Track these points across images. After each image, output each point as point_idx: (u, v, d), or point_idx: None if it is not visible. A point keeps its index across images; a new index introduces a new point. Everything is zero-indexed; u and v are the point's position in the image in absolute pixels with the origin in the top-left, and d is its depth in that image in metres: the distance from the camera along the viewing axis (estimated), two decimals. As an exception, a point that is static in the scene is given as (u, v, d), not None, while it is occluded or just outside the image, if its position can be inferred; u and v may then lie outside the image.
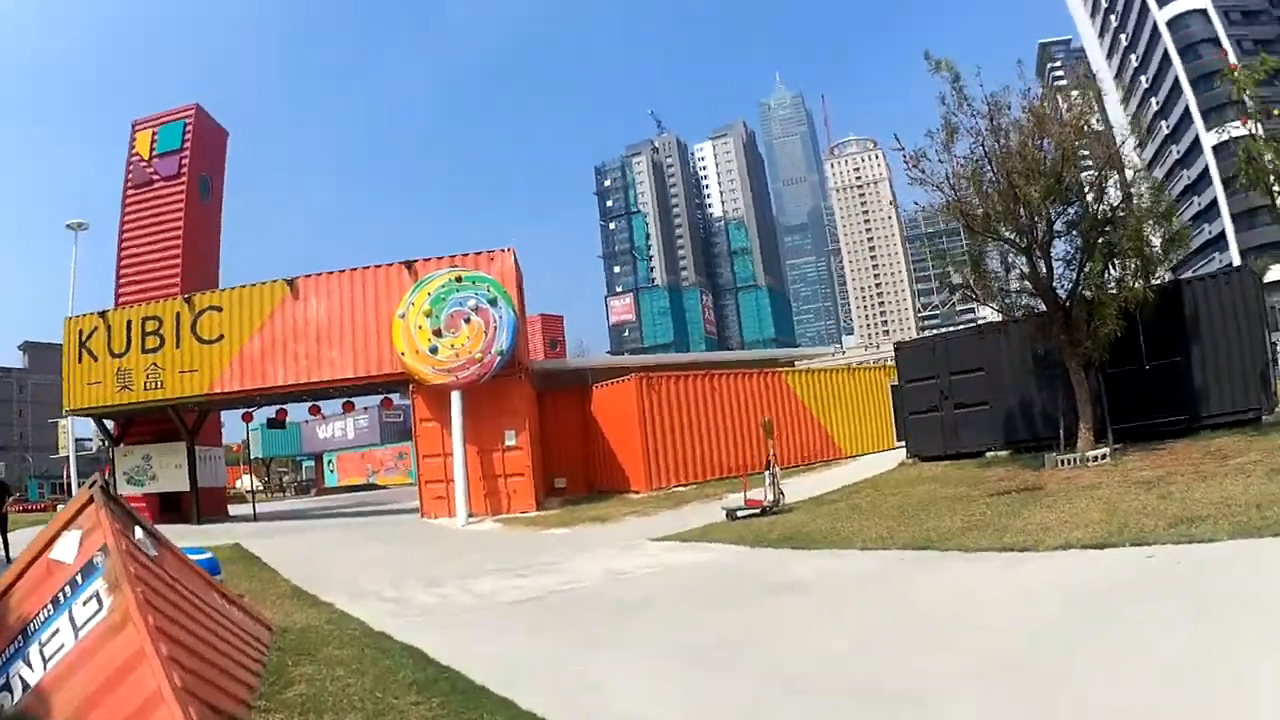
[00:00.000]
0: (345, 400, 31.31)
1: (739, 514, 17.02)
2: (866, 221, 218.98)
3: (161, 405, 29.95)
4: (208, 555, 10.77)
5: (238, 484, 71.30)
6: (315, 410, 31.79)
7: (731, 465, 27.05)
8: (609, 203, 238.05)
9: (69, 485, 48.93)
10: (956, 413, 22.45)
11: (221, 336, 28.87)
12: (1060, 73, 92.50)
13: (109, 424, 33.12)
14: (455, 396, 25.25)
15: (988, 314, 24.33)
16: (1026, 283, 19.11)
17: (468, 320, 25.60)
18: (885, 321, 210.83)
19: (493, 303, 25.66)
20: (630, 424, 26.92)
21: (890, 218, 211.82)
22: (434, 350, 25.50)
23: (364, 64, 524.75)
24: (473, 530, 22.93)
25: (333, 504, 44.56)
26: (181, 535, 26.28)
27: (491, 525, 23.42)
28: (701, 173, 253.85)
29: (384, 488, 60.98)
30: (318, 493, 64.66)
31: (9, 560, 18.54)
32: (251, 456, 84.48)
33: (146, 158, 36.00)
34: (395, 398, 31.63)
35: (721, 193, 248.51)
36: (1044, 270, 18.53)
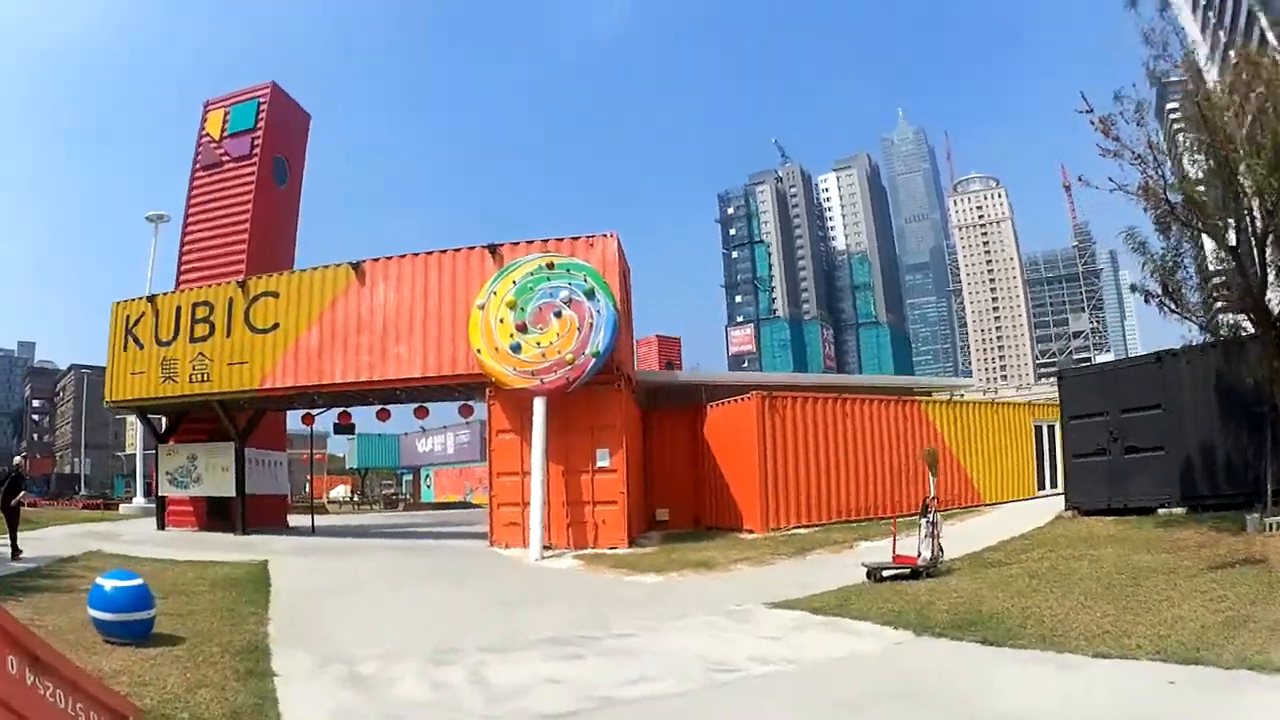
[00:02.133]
0: (417, 406, 28.40)
1: (884, 574, 13.99)
2: (989, 262, 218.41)
3: (206, 399, 27.59)
4: (136, 583, 10.47)
5: (331, 494, 70.09)
6: (384, 415, 28.93)
7: (861, 506, 24.24)
8: (732, 231, 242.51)
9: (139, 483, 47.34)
10: (1126, 458, 18.89)
11: (276, 325, 26.35)
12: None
13: (159, 419, 31.08)
14: (539, 404, 22.08)
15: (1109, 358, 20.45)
16: (1226, 292, 15.55)
17: (558, 314, 22.47)
18: (1004, 366, 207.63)
19: (589, 295, 22.49)
20: (747, 451, 23.83)
21: (1012, 259, 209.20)
22: (516, 349, 22.39)
23: (481, 64, 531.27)
24: (544, 568, 19.71)
25: (412, 521, 41.93)
26: (213, 545, 23.89)
27: (570, 562, 20.18)
28: (825, 204, 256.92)
29: (479, 507, 58.41)
30: (405, 508, 62.46)
31: (17, 553, 18.32)
32: (347, 466, 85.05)
33: (217, 138, 34.31)
34: (475, 404, 28.48)
35: (845, 225, 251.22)
36: (1257, 276, 14.88)
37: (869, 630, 10.57)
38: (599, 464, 22.68)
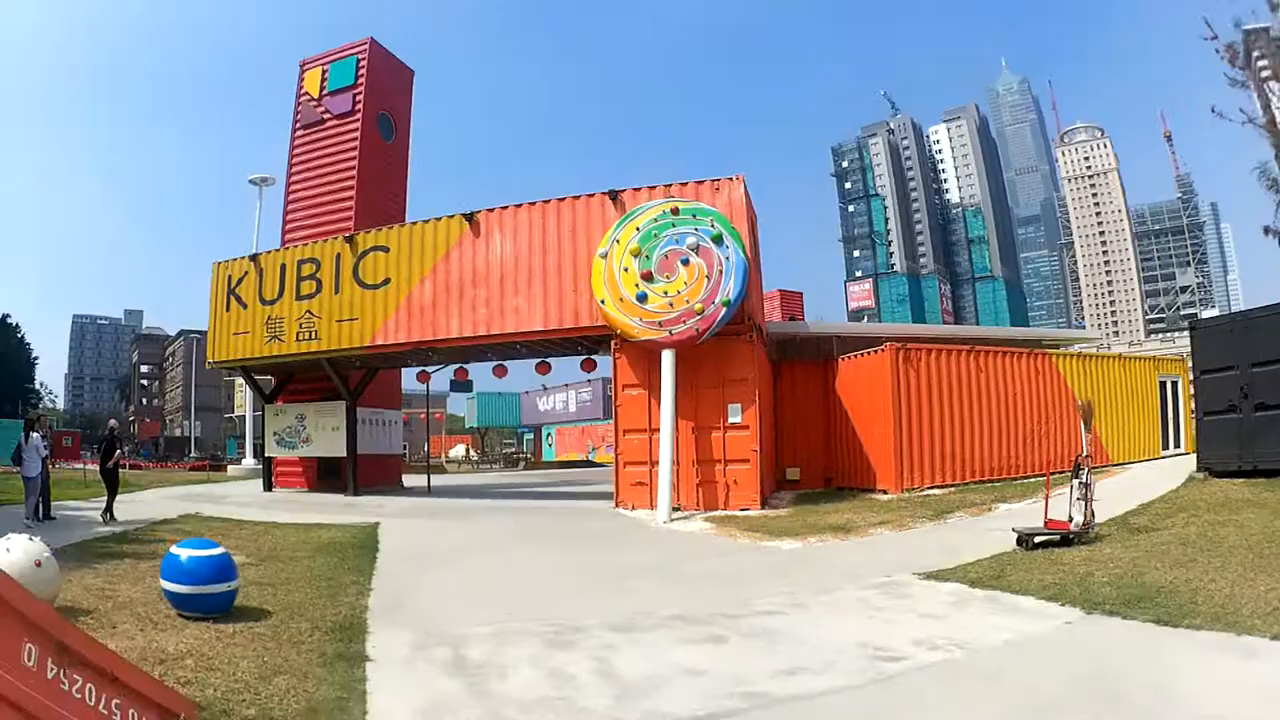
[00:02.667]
0: (538, 360, 27.40)
1: (1035, 540, 12.78)
2: (1098, 214, 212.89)
3: (315, 358, 27.03)
4: (215, 552, 9.34)
5: (451, 453, 70.76)
6: (501, 371, 27.98)
7: (994, 465, 22.95)
8: (847, 185, 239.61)
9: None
10: (1257, 415, 17.13)
11: (387, 281, 25.66)
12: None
13: (266, 381, 30.62)
14: (666, 357, 20.90)
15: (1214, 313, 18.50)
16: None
17: (686, 262, 21.17)
18: (1115, 320, 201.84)
19: (717, 241, 21.16)
20: (880, 406, 22.72)
21: (1120, 211, 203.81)
22: (642, 298, 21.18)
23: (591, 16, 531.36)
24: (673, 531, 18.49)
25: (533, 481, 41.30)
26: (321, 507, 23.08)
27: (699, 525, 18.94)
28: (937, 155, 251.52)
29: (602, 466, 58.55)
30: (527, 467, 62.59)
31: (109, 516, 18.62)
32: (467, 425, 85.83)
33: (316, 96, 34.09)
34: (599, 358, 27.40)
35: (958, 177, 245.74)
36: None
37: (1033, 607, 9.47)
38: (730, 420, 21.45)
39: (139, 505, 20.40)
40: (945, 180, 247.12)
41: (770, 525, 17.76)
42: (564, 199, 23.79)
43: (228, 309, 28.70)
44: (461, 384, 29.59)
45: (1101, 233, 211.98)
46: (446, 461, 63.68)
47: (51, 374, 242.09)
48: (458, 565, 14.36)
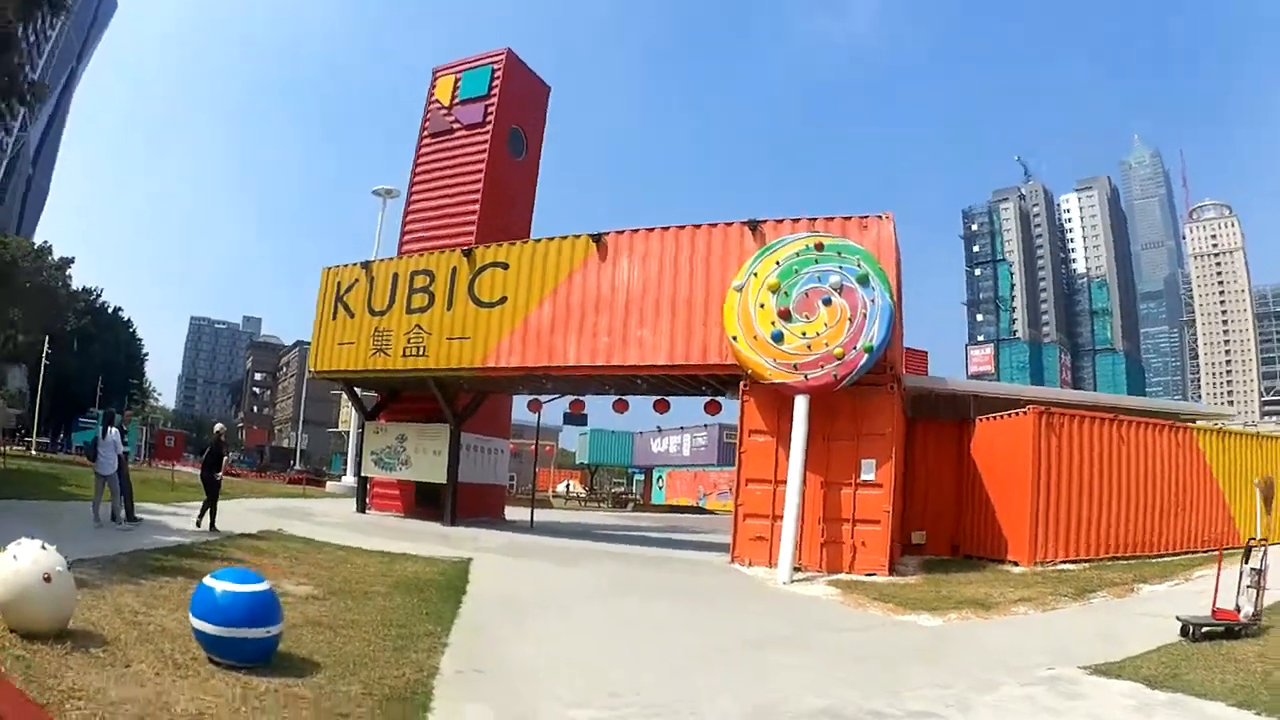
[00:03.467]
0: (658, 399, 25.76)
1: (1203, 630, 11.39)
2: (1221, 293, 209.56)
3: (421, 376, 25.76)
4: (257, 588, 7.73)
5: (559, 487, 71.28)
6: (621, 406, 26.35)
7: (1128, 542, 21.03)
8: (975, 248, 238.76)
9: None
10: None
11: (504, 299, 24.30)
12: None
13: (370, 396, 29.48)
14: (800, 403, 19.08)
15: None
16: None
17: (828, 302, 19.38)
18: (1231, 401, 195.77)
19: (863, 281, 19.37)
20: (1018, 472, 20.70)
21: (1243, 291, 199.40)
22: (778, 338, 19.43)
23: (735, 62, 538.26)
24: (795, 595, 16.66)
25: (641, 524, 39.48)
26: (413, 535, 21.73)
27: (823, 589, 17.07)
28: (1066, 224, 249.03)
29: (712, 513, 57.43)
30: (635, 508, 61.12)
31: (214, 527, 18.13)
32: (577, 461, 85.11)
33: (447, 104, 32.94)
34: (724, 400, 25.58)
35: (1085, 248, 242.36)
36: None
37: (1226, 716, 8.06)
38: (863, 477, 19.55)
39: (221, 516, 19.21)
40: (1073, 250, 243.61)
41: (901, 595, 15.91)
42: (699, 226, 22.23)
43: (334, 317, 27.66)
44: (576, 417, 27.92)
45: (1224, 311, 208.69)
46: (553, 496, 62.61)
47: (165, 375, 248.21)
48: (554, 619, 12.72)
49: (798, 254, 19.94)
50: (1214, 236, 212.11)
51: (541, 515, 33.08)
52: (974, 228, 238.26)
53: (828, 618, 14.10)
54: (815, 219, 21.03)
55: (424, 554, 18.06)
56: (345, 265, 28.18)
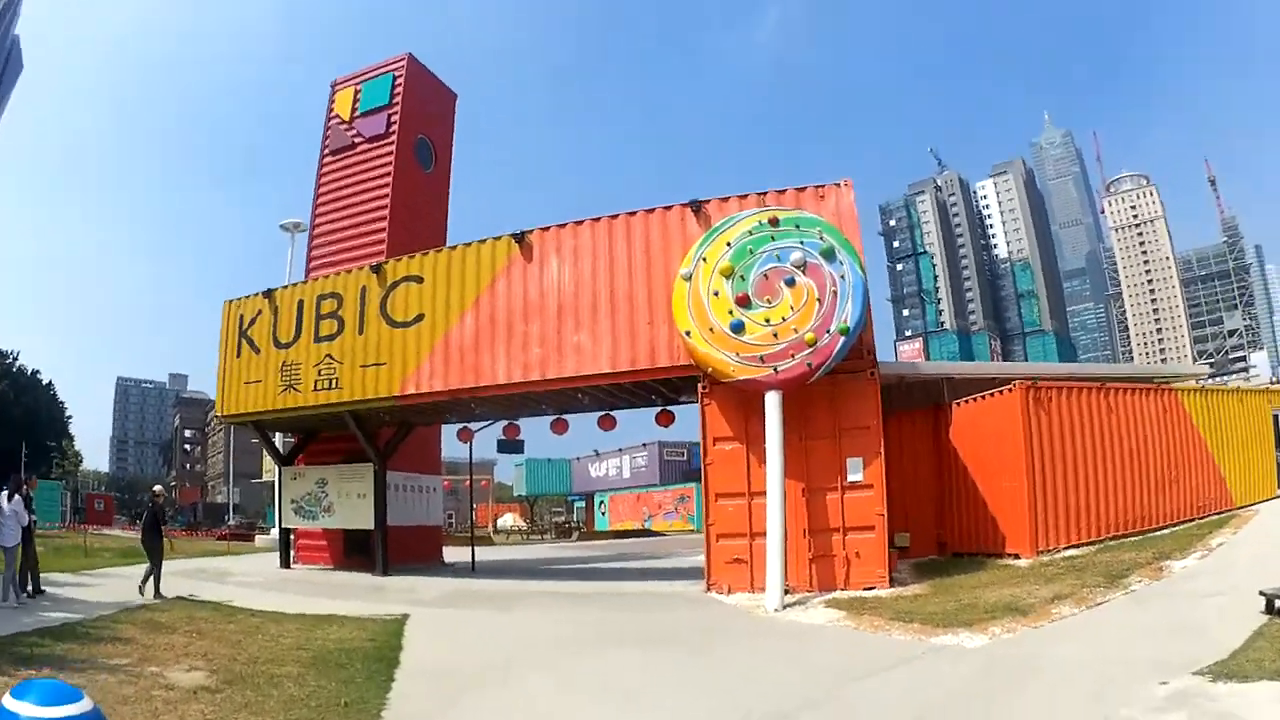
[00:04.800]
0: (602, 414, 22.86)
1: None
2: (1145, 263, 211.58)
3: (336, 410, 22.68)
4: (80, 709, 4.50)
5: (499, 522, 68.79)
6: (561, 426, 23.38)
7: (1127, 518, 19.13)
8: (895, 243, 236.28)
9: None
10: None
11: (421, 317, 21.49)
12: None
13: (278, 437, 26.55)
14: (771, 401, 16.41)
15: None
16: None
17: (791, 283, 16.81)
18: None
19: (828, 256, 16.85)
20: (1009, 455, 18.80)
21: (1168, 258, 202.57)
22: (738, 328, 16.76)
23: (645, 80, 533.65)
24: (794, 625, 14.04)
25: (591, 554, 36.73)
26: (342, 590, 19.78)
27: (825, 614, 14.46)
28: (984, 211, 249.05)
29: (660, 534, 55.62)
30: (580, 537, 58.79)
31: (159, 593, 16.74)
32: (515, 494, 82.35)
33: (347, 118, 30.21)
34: (678, 412, 22.86)
35: (1006, 233, 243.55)
36: None
37: None
38: (850, 477, 17.10)
39: (130, 582, 17.24)
40: (993, 236, 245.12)
41: (918, 610, 13.54)
42: (634, 213, 19.55)
43: (238, 355, 24.60)
44: (511, 444, 25.02)
45: (1149, 280, 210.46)
46: (494, 532, 59.85)
47: (98, 439, 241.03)
48: (510, 689, 10.06)
49: (750, 232, 17.38)
50: (1134, 207, 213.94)
51: (483, 554, 30.28)
52: (892, 223, 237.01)
53: (850, 654, 11.49)
54: (765, 193, 18.63)
55: (352, 613, 15.37)
56: (247, 297, 25.11)
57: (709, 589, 17.39)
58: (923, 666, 10.30)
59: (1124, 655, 9.59)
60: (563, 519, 77.45)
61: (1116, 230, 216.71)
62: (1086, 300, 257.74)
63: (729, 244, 17.29)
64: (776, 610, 15.11)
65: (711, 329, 16.90)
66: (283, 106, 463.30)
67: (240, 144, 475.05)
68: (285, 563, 25.74)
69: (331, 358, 22.39)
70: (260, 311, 24.35)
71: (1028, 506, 18.21)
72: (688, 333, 17.20)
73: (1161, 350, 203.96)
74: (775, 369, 16.35)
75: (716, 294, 17.03)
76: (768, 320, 16.63)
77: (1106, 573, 14.54)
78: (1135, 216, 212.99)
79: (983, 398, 20.24)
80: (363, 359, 21.89)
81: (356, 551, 25.08)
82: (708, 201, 18.70)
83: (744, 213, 17.80)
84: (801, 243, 17.01)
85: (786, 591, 15.73)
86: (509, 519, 71.64)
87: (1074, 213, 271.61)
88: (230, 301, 25.38)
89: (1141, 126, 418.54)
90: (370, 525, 23.59)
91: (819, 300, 16.57)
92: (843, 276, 16.72)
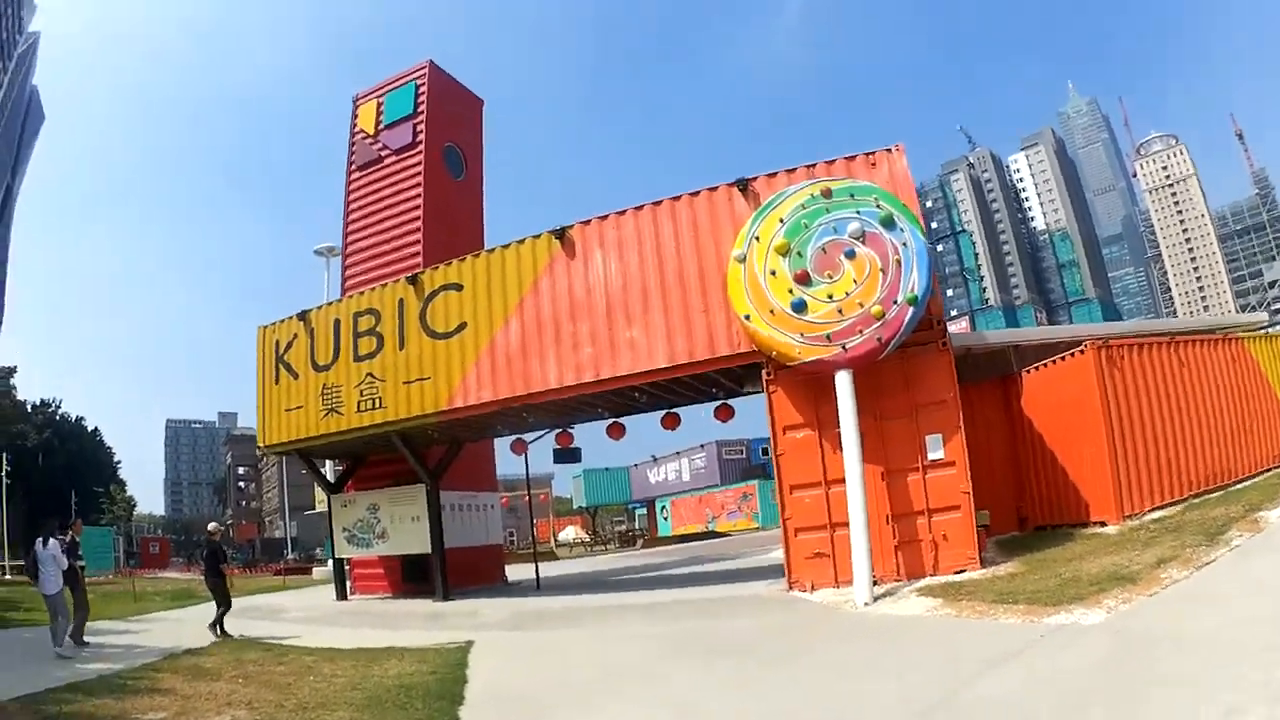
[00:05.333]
0: (665, 413, 21.71)
1: None
2: (1182, 222, 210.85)
3: (382, 431, 21.72)
4: None
5: (560, 536, 68.57)
6: (617, 430, 22.29)
7: (1209, 473, 18.51)
8: (933, 224, 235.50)
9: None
10: None
11: (463, 326, 20.44)
12: None
13: (328, 464, 25.79)
14: (842, 381, 15.35)
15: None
16: None
17: (851, 255, 15.70)
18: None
19: (887, 224, 15.76)
20: (1087, 420, 18.02)
21: (1203, 215, 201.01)
22: (800, 306, 15.67)
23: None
24: (892, 619, 13.05)
25: (657, 561, 35.39)
26: (402, 620, 19.06)
27: (920, 603, 13.45)
28: (1019, 184, 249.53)
29: (725, 535, 54.38)
30: (645, 544, 57.52)
31: (224, 633, 16.48)
32: (575, 506, 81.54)
33: (372, 132, 29.04)
34: (737, 406, 21.63)
35: (1042, 204, 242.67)
36: None
37: None
38: (931, 456, 15.96)
39: (180, 625, 17.40)
40: (1030, 208, 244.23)
41: (1019, 590, 12.61)
42: (678, 197, 18.39)
43: (277, 381, 23.74)
44: (566, 452, 23.90)
45: (1187, 239, 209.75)
46: (556, 547, 58.90)
47: (151, 482, 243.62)
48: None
49: (803, 205, 16.27)
50: (1165, 168, 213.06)
51: (547, 570, 29.31)
52: (928, 204, 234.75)
53: (958, 647, 10.42)
54: (814, 165, 17.43)
55: (413, 644, 14.51)
56: (281, 321, 24.26)
57: (791, 587, 16.31)
58: (1045, 652, 9.34)
59: (1256, 614, 8.92)
60: (624, 528, 76.49)
61: (1150, 192, 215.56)
62: (1126, 265, 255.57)
63: (781, 220, 16.22)
64: (866, 604, 14.12)
65: (772, 310, 15.83)
66: (319, 135, 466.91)
67: (275, 170, 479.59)
68: (342, 594, 24.86)
69: (373, 376, 21.49)
70: (296, 335, 23.50)
71: (1110, 471, 17.42)
72: (747, 316, 16.13)
73: (1205, 308, 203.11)
74: (844, 347, 15.27)
75: (774, 273, 15.97)
76: (831, 296, 15.56)
77: (1203, 530, 13.93)
78: (1168, 177, 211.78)
79: (1053, 362, 19.37)
80: (405, 375, 20.94)
81: (415, 577, 24.05)
82: (754, 179, 17.57)
83: (794, 186, 16.69)
84: (858, 212, 15.93)
85: (874, 583, 14.68)
86: (570, 532, 70.89)
87: (1106, 179, 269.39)
88: (264, 327, 24.54)
89: (1164, 86, 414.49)
90: (427, 549, 22.51)
91: (883, 271, 15.48)
92: (905, 244, 15.63)
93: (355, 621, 19.11)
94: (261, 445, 24.98)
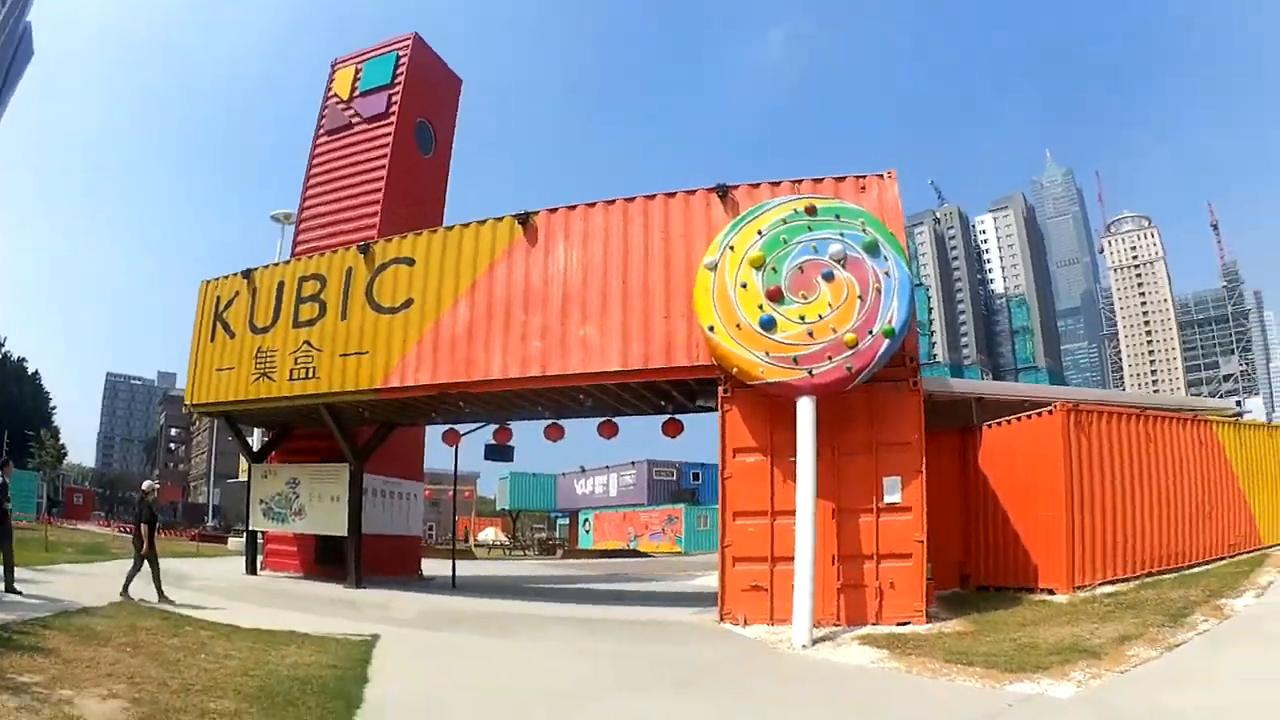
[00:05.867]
0: (603, 420, 20.64)
1: None
2: (1143, 304, 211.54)
3: (312, 403, 20.50)
4: None
5: (480, 536, 66.19)
6: (555, 432, 21.16)
7: (1163, 554, 17.93)
8: None
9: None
10: None
11: (410, 302, 19.33)
12: None
13: (256, 433, 24.69)
14: (804, 408, 14.31)
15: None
16: None
17: (829, 277, 14.76)
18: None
19: (871, 250, 14.88)
20: (1046, 482, 17.12)
21: (1166, 300, 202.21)
22: (768, 324, 14.66)
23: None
24: (834, 667, 11.94)
25: (577, 573, 34.30)
26: (308, 603, 17.55)
27: (862, 652, 12.41)
28: (983, 246, 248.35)
29: (647, 555, 53.14)
30: (565, 555, 55.81)
31: (162, 595, 15.48)
32: (498, 507, 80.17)
33: (346, 98, 28.21)
34: (688, 422, 20.52)
35: (1003, 268, 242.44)
36: None
37: None
38: (887, 499, 15.03)
39: (84, 580, 16.25)
40: (990, 270, 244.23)
41: (971, 651, 11.74)
42: (653, 196, 17.44)
43: (212, 339, 22.54)
44: (500, 450, 22.73)
45: (1146, 321, 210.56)
46: (475, 546, 57.44)
47: (86, 433, 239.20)
48: None
49: (784, 220, 15.33)
50: (1134, 248, 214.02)
51: (465, 569, 28.00)
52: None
53: (916, 702, 9.64)
54: (800, 181, 16.57)
55: (316, 630, 13.19)
56: (225, 277, 23.05)
57: (722, 619, 15.20)
58: None
59: (1240, 699, 8.51)
60: (545, 535, 75.29)
61: (1115, 270, 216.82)
62: (1080, 340, 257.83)
63: (760, 232, 15.25)
64: (804, 647, 13.06)
65: (739, 325, 14.79)
66: (292, 104, 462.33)
67: (238, 139, 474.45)
68: (251, 568, 23.53)
69: (310, 345, 20.28)
70: (238, 293, 22.28)
71: (1065, 538, 16.54)
72: (711, 328, 15.07)
73: (1155, 391, 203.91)
74: (810, 372, 14.26)
75: (745, 286, 14.95)
76: (802, 318, 14.58)
77: (1164, 611, 13.13)
78: (1135, 257, 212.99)
79: (1018, 419, 18.47)
80: (343, 347, 19.76)
81: (328, 560, 22.84)
82: (736, 187, 16.70)
83: (777, 199, 15.81)
84: (842, 234, 15.01)
85: (815, 626, 13.67)
86: (490, 533, 69.43)
87: (1072, 251, 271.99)
88: (207, 282, 23.32)
89: (1141, 166, 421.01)
90: (344, 531, 21.30)
91: (860, 298, 14.56)
92: (887, 273, 14.75)
93: (260, 599, 17.84)
94: (188, 404, 23.71)
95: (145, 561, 15.81)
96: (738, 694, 10.24)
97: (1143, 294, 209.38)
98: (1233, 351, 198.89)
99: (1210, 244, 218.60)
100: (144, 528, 15.93)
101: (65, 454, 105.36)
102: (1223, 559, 18.49)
